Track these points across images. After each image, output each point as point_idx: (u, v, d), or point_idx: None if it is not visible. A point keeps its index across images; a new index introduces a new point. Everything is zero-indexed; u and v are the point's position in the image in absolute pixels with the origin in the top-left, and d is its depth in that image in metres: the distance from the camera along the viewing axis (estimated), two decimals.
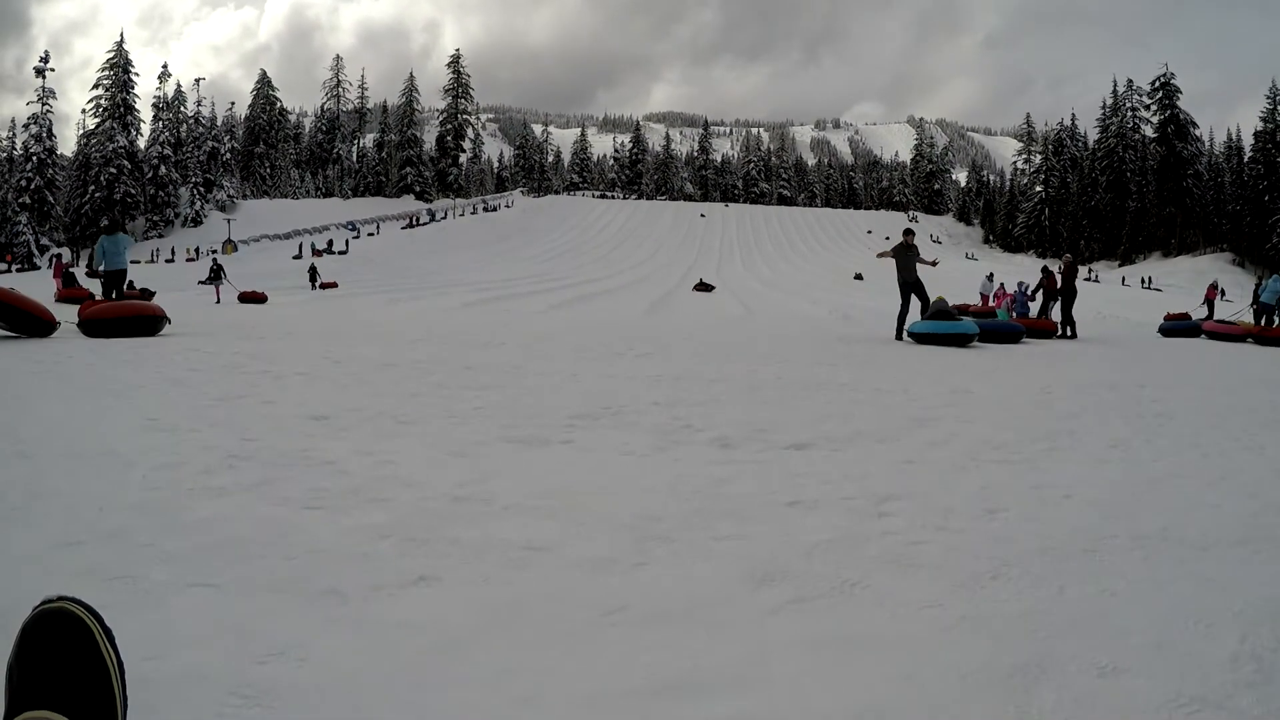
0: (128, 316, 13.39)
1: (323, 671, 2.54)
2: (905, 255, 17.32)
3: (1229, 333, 21.90)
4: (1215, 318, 27.27)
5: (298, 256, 79.80)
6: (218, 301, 34.29)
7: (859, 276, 67.61)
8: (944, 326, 15.76)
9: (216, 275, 38.80)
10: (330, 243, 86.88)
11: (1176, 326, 23.52)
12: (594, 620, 2.94)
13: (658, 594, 3.19)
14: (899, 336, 17.00)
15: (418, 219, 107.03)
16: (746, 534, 3.93)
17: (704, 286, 52.62)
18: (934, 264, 18.24)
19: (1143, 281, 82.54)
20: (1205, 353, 17.61)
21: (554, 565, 3.48)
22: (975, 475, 5.40)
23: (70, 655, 1.43)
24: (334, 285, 50.66)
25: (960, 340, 15.58)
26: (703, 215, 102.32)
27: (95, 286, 33.37)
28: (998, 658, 2.68)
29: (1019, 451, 6.24)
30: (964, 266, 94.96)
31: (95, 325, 13.11)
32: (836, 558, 3.63)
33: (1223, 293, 49.22)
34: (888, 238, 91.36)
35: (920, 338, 15.92)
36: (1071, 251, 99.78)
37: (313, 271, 54.18)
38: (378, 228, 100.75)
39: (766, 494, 4.66)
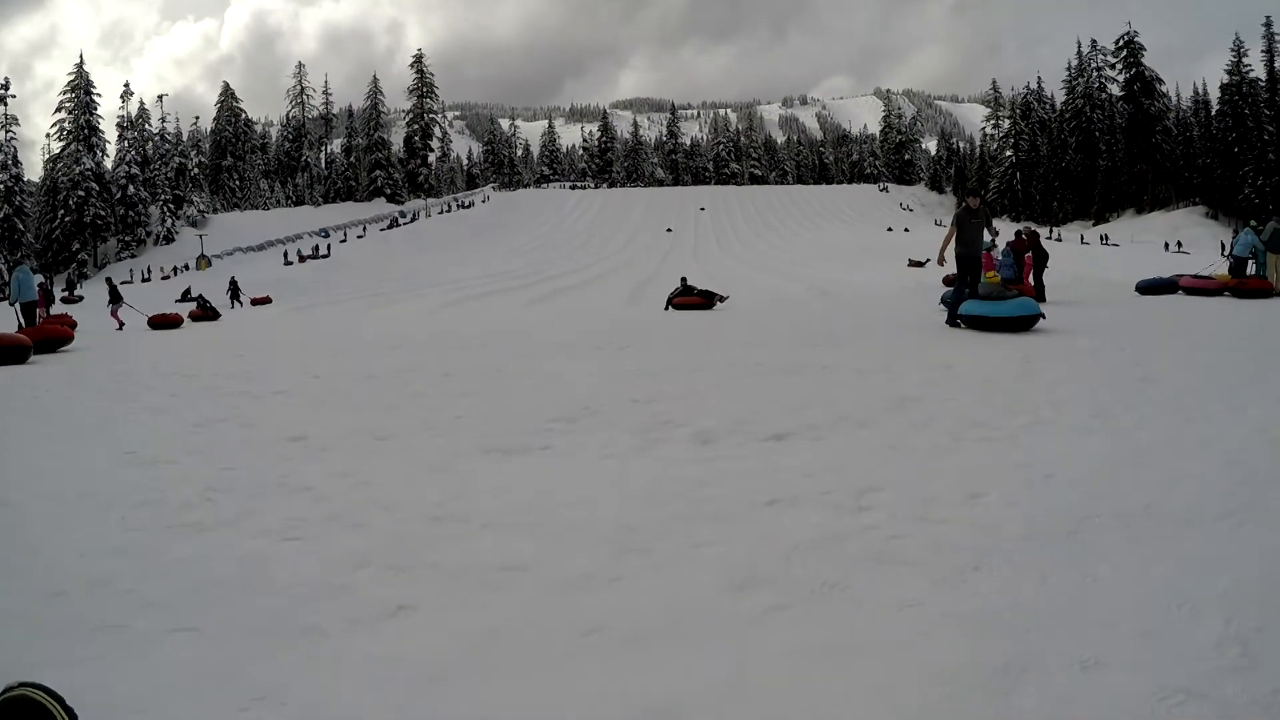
0: None
1: (303, 715, 2.52)
2: (968, 223, 14.39)
3: (1205, 287, 21.93)
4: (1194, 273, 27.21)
5: (289, 263, 79.69)
6: (120, 328, 29.40)
7: (918, 263, 51.10)
8: (1000, 309, 13.39)
9: (114, 298, 32.56)
10: (316, 248, 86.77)
11: (1153, 284, 23.55)
12: (572, 644, 2.92)
13: (636, 610, 3.18)
14: (952, 321, 14.38)
15: (397, 220, 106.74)
16: (725, 538, 3.92)
17: (700, 297, 26.65)
18: (996, 236, 15.22)
19: (1101, 239, 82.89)
20: (1184, 309, 17.64)
21: (532, 586, 3.45)
22: (957, 457, 5.40)
23: None
24: (266, 300, 46.27)
25: (1019, 324, 13.17)
26: (669, 229, 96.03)
27: (72, 311, 33.32)
28: (978, 658, 2.67)
29: (1001, 428, 6.22)
30: (936, 233, 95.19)
31: None
32: (816, 558, 3.62)
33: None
34: (908, 231, 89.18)
35: (971, 321, 13.71)
36: (1045, 213, 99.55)
37: (234, 287, 48.89)
38: (364, 229, 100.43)
39: (746, 493, 4.65)
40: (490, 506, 4.58)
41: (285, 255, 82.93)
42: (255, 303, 45.33)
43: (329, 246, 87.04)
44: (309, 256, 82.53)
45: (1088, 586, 3.22)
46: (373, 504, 4.69)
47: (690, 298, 26.39)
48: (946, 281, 23.08)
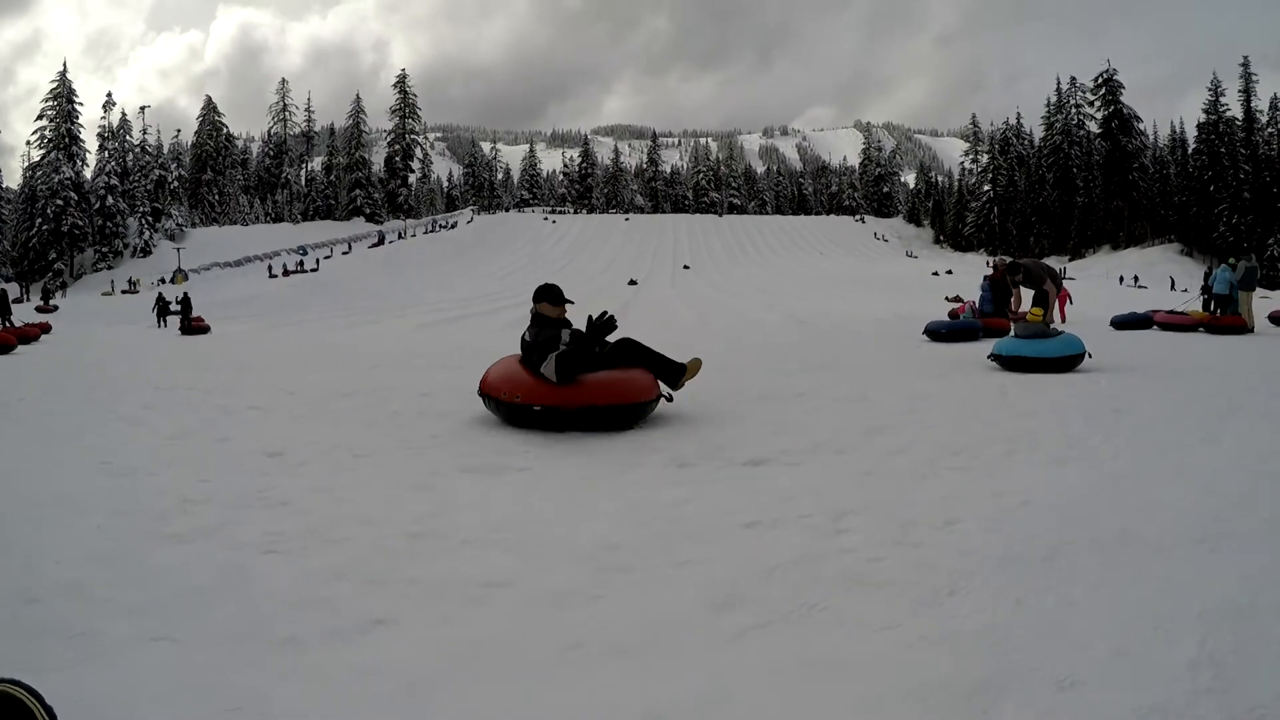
0: None
1: None
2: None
3: (1180, 323, 22.11)
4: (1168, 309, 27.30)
5: (274, 276, 79.68)
6: None
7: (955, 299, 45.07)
8: (1042, 349, 12.18)
9: None
10: (301, 263, 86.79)
11: (1128, 319, 23.71)
12: (554, 657, 2.93)
13: (617, 626, 3.18)
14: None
15: (383, 238, 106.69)
16: (705, 558, 3.93)
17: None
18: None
19: (1061, 272, 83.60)
20: (1158, 344, 17.75)
21: (513, 602, 3.46)
22: (934, 484, 5.42)
23: None
24: (202, 325, 34.45)
25: (1063, 365, 12.01)
26: (632, 281, 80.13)
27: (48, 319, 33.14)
28: (957, 677, 2.69)
29: (977, 456, 6.26)
30: (906, 264, 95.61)
31: None
32: (796, 579, 3.63)
33: None
34: (951, 273, 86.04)
35: (1010, 363, 12.37)
36: (1022, 248, 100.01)
37: (160, 306, 43.56)
38: (349, 246, 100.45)
39: (725, 515, 4.66)
40: (469, 524, 4.57)
41: (270, 269, 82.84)
42: (190, 327, 34.38)
43: (318, 261, 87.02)
44: (295, 271, 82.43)
45: (1064, 609, 3.25)
46: (351, 519, 4.68)
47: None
48: (953, 316, 23.03)
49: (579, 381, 7.34)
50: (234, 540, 4.29)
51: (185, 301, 39.25)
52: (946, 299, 49.77)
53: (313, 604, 3.44)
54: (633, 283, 72.55)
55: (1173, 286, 67.15)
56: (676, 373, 7.99)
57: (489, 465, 6.10)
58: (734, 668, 2.81)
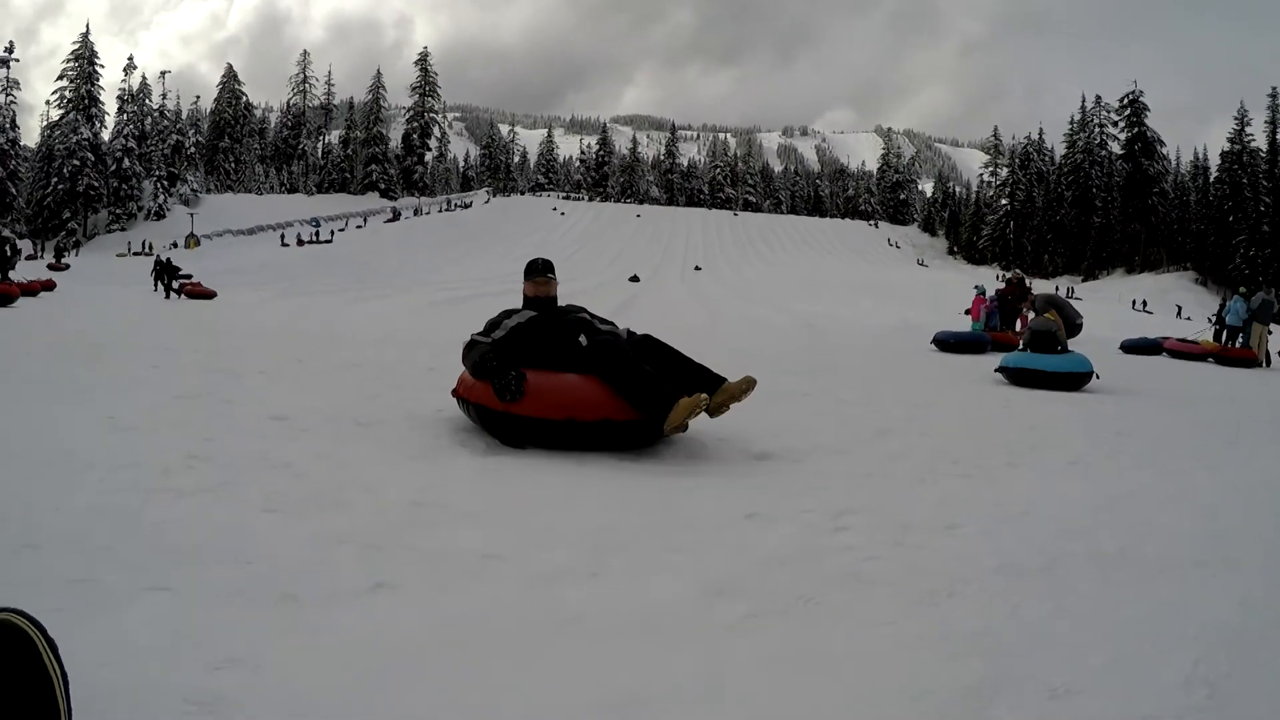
0: None
1: (276, 681, 2.51)
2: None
3: (1190, 352, 22.10)
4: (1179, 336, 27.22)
5: (286, 245, 79.81)
6: None
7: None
8: (1047, 363, 11.87)
9: None
10: (316, 233, 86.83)
11: (1138, 344, 23.68)
12: (549, 633, 2.93)
13: (613, 606, 3.18)
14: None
15: (398, 214, 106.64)
16: (702, 546, 3.93)
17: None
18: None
19: (1068, 292, 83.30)
20: (1166, 371, 17.75)
21: (511, 575, 3.45)
22: (934, 489, 5.43)
23: (13, 667, 1.40)
24: (203, 291, 33.89)
25: (1068, 382, 11.70)
26: (634, 277, 70.91)
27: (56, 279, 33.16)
28: (951, 678, 2.68)
29: (978, 466, 6.27)
30: (917, 272, 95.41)
31: None
32: (793, 573, 3.63)
33: None
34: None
35: (1016, 375, 12.12)
36: (1036, 265, 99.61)
37: (158, 269, 38.37)
38: (365, 220, 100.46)
39: (724, 506, 4.67)
40: (469, 498, 4.59)
41: (282, 238, 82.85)
42: (188, 291, 33.90)
43: (332, 233, 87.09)
44: (309, 241, 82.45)
45: (1059, 619, 3.24)
46: (353, 485, 4.70)
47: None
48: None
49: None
50: (235, 499, 4.30)
51: (168, 265, 36.59)
52: (964, 312, 49.95)
53: (312, 565, 3.44)
54: (634, 279, 68.58)
55: (1179, 314, 67.20)
56: (658, 405, 5.73)
57: (492, 442, 6.08)
58: (728, 655, 2.81)
